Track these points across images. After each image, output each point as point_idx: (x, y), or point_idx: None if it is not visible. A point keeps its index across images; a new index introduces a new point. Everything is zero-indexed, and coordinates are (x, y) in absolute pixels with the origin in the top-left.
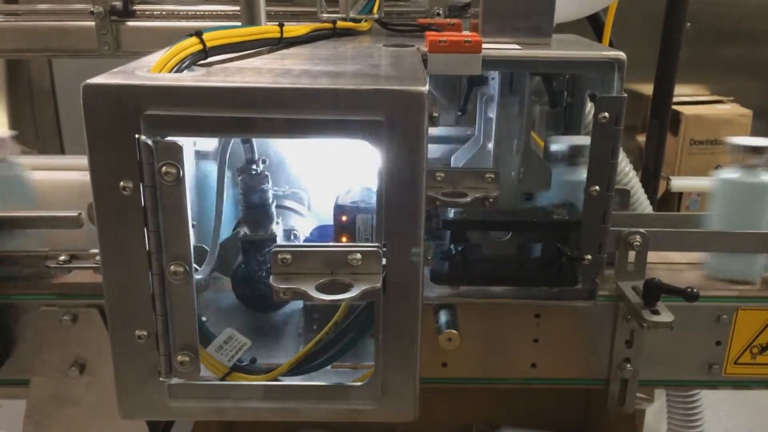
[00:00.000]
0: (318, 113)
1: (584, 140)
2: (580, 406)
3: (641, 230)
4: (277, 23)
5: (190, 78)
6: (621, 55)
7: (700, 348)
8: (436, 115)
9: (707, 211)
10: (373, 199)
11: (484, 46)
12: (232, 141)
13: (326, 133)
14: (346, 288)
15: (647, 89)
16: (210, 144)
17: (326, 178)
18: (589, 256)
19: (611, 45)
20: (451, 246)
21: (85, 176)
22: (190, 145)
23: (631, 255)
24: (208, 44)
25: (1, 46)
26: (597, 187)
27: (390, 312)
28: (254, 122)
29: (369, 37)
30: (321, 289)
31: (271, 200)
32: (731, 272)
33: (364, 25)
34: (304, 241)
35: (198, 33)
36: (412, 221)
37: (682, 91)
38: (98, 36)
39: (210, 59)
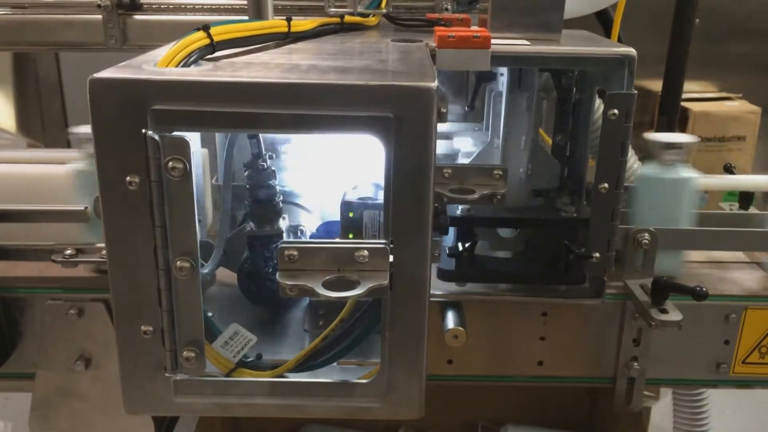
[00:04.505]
0: (326, 109)
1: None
2: (586, 403)
3: (650, 228)
4: (284, 17)
5: (198, 72)
6: (631, 51)
7: (708, 347)
8: (445, 111)
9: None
10: (381, 195)
11: (493, 41)
12: (238, 136)
13: (334, 128)
14: (352, 285)
15: (655, 86)
16: None
17: (333, 173)
18: (597, 254)
19: (620, 41)
20: (458, 243)
21: None
22: (196, 140)
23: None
24: (216, 38)
25: (7, 39)
26: (606, 185)
27: (397, 309)
28: (261, 117)
29: (377, 32)
30: (327, 285)
31: (277, 196)
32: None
33: (372, 20)
34: (311, 237)
35: (205, 27)
36: (420, 218)
37: (690, 88)
38: (105, 29)
39: (217, 54)
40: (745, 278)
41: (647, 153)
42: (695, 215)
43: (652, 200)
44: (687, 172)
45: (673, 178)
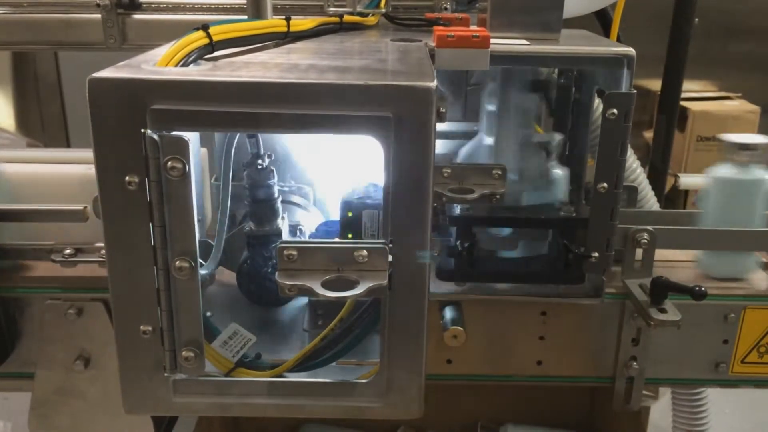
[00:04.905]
0: (325, 108)
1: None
2: (585, 403)
3: (649, 228)
4: (283, 17)
5: (197, 72)
6: (630, 51)
7: (707, 346)
8: (444, 110)
9: (699, 209)
10: (380, 194)
11: (492, 41)
12: (237, 135)
13: (333, 128)
14: (351, 285)
15: (655, 85)
16: None
17: (332, 173)
18: (596, 254)
19: (619, 40)
20: (457, 242)
21: (90, 170)
22: (195, 139)
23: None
24: (215, 38)
25: (7, 38)
26: (605, 184)
27: (396, 309)
28: (261, 117)
29: (376, 32)
30: (327, 285)
31: (276, 195)
32: (720, 270)
33: (371, 20)
34: (310, 236)
35: (204, 27)
36: (419, 218)
37: (689, 87)
38: (104, 29)
39: (216, 53)
40: (744, 278)
41: (722, 154)
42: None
43: (727, 201)
44: (762, 173)
45: (746, 179)
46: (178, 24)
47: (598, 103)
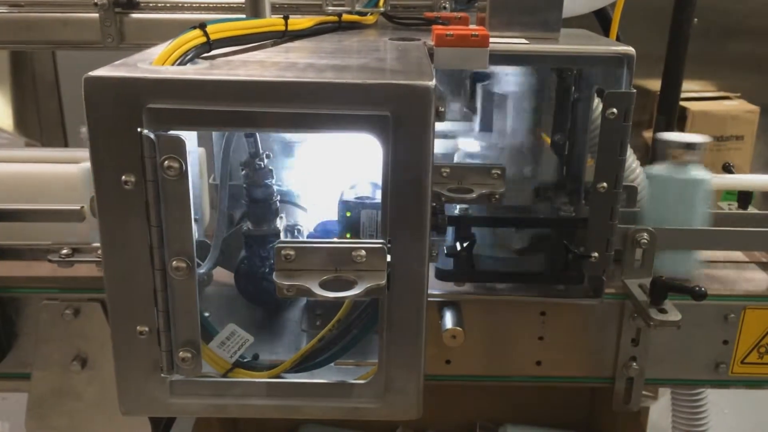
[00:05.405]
0: (323, 107)
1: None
2: (585, 403)
3: (649, 228)
4: (281, 16)
5: (194, 71)
6: (630, 50)
7: (707, 347)
8: (443, 109)
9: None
10: (378, 194)
11: (491, 40)
12: (235, 134)
13: (331, 127)
14: (350, 285)
15: (654, 85)
16: None
17: (331, 173)
18: (596, 254)
19: (618, 40)
20: (457, 242)
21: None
22: (193, 139)
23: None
24: (212, 37)
25: (4, 37)
26: (605, 184)
27: (394, 309)
28: (258, 116)
29: (375, 31)
30: (324, 285)
31: (274, 195)
32: (666, 269)
33: (369, 19)
34: (308, 236)
35: (202, 25)
36: (418, 217)
37: (688, 87)
38: (102, 28)
39: (213, 52)
40: (744, 278)
41: (659, 153)
42: (709, 216)
43: (665, 201)
44: (701, 173)
45: (687, 179)
46: (176, 23)
47: (597, 103)
